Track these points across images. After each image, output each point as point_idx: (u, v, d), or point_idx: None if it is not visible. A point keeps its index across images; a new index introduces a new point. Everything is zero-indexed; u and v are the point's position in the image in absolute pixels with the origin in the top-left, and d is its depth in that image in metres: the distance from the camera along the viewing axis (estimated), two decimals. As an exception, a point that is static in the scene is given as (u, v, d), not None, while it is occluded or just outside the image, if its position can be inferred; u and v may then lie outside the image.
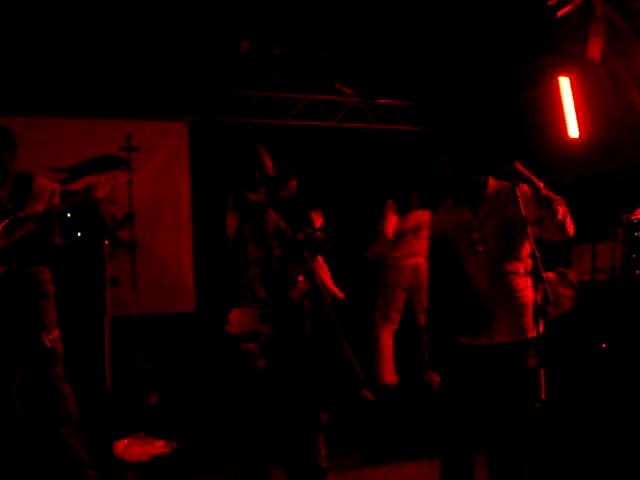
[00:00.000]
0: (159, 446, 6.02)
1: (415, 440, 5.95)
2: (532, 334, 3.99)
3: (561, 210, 4.01)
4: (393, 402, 7.27)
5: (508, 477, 4.12)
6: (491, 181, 4.23)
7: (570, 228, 4.06)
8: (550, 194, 4.03)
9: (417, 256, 7.32)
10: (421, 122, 8.96)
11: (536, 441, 3.64)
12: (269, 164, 3.83)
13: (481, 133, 4.45)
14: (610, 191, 7.43)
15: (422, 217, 7.43)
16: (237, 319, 3.71)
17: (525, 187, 3.99)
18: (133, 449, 5.90)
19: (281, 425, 3.52)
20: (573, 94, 7.46)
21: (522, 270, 4.12)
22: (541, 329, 3.74)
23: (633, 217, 6.45)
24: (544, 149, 7.81)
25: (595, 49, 6.83)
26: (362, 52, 7.74)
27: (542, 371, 3.69)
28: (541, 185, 4.00)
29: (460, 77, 8.36)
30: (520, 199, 3.88)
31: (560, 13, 7.02)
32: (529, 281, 4.05)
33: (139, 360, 6.87)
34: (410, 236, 7.31)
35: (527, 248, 4.00)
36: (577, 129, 7.50)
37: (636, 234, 6.40)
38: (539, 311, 3.70)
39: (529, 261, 4.00)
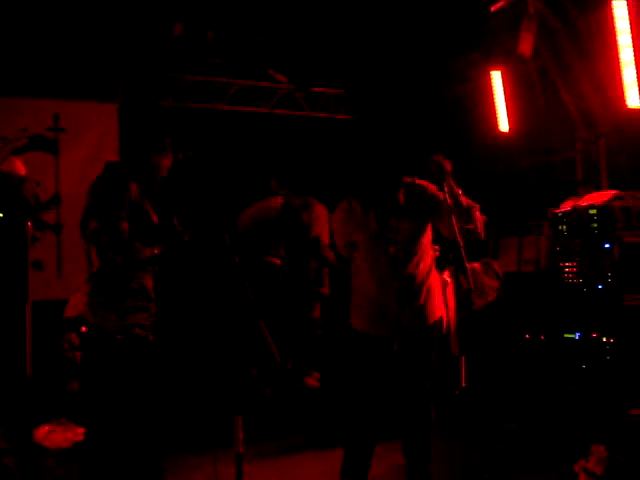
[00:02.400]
0: (81, 433, 5.94)
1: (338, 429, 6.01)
2: (436, 317, 4.11)
3: (478, 218, 4.05)
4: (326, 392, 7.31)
5: (420, 461, 4.23)
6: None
7: (481, 235, 4.09)
8: (469, 202, 4.06)
9: None
10: (354, 111, 8.98)
11: (460, 426, 3.68)
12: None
13: (413, 125, 4.47)
14: (537, 185, 7.57)
15: None
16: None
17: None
18: (54, 436, 5.80)
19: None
20: (504, 88, 7.57)
21: (429, 262, 4.18)
22: (452, 316, 3.81)
23: (558, 211, 6.57)
24: (474, 142, 7.92)
25: (526, 45, 6.93)
26: (297, 39, 7.72)
27: (463, 359, 3.75)
28: (460, 192, 4.02)
29: (394, 68, 8.41)
30: (448, 196, 3.86)
31: (493, 8, 7.12)
32: (434, 272, 4.16)
33: (62, 345, 6.72)
34: None
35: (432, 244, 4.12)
36: (507, 123, 7.62)
37: (560, 227, 6.52)
38: (460, 299, 3.75)
39: (431, 253, 4.12)
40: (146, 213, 3.60)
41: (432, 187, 3.99)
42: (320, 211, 7.31)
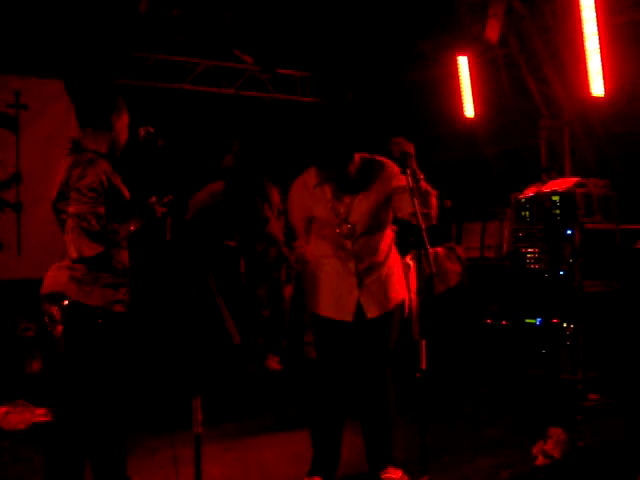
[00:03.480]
0: (39, 414, 5.88)
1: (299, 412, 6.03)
2: (398, 300, 4.13)
3: (434, 204, 4.06)
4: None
5: (380, 442, 4.27)
6: (357, 159, 4.20)
7: (434, 221, 4.09)
8: (427, 187, 4.06)
9: None
10: (320, 94, 8.95)
11: (420, 408, 3.72)
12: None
13: (377, 107, 4.46)
14: (501, 171, 7.62)
15: None
16: (48, 277, 3.59)
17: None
18: (11, 417, 5.74)
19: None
20: (470, 74, 7.59)
21: (389, 242, 4.20)
22: (414, 299, 3.83)
23: (521, 196, 6.61)
24: (439, 126, 7.94)
25: (493, 31, 6.96)
26: (263, 20, 7.66)
27: (423, 343, 3.76)
28: (421, 177, 4.02)
29: (361, 51, 8.38)
30: (410, 179, 3.86)
31: (461, -7, 7.13)
32: (391, 256, 4.18)
33: (21, 325, 6.65)
34: None
35: (392, 221, 4.17)
36: (472, 108, 7.64)
37: (523, 213, 6.56)
38: (422, 282, 3.75)
39: (390, 234, 4.14)
40: (118, 191, 3.55)
41: (393, 166, 3.97)
42: (273, 192, 7.27)
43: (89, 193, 3.39)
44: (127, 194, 3.64)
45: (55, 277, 3.51)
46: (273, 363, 7.50)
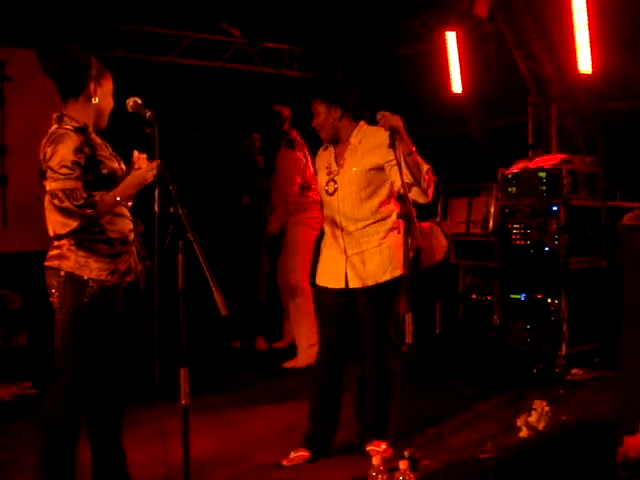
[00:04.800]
0: (25, 387, 5.90)
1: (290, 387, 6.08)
2: (392, 276, 4.17)
3: (427, 178, 4.08)
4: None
5: (368, 416, 4.35)
6: (360, 126, 4.29)
7: (430, 196, 4.15)
8: (422, 161, 4.10)
9: None
10: (308, 68, 8.92)
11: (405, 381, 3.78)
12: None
13: (366, 81, 4.47)
14: (488, 147, 7.62)
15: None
16: (50, 249, 3.62)
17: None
18: (-3, 389, 5.76)
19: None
20: (459, 50, 7.56)
21: (379, 217, 4.23)
22: (404, 272, 3.86)
23: (508, 172, 6.63)
24: (428, 102, 7.91)
25: (482, 6, 6.93)
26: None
27: (410, 316, 3.79)
28: (413, 149, 4.06)
29: (348, 26, 8.33)
30: (398, 153, 3.89)
31: (450, -32, 7.09)
32: (384, 228, 4.21)
33: (7, 298, 6.63)
34: None
35: (384, 198, 4.23)
36: (460, 85, 7.63)
37: (510, 189, 6.59)
38: (408, 256, 3.77)
39: (389, 208, 4.18)
40: (99, 162, 3.51)
41: (385, 134, 3.98)
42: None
43: (60, 170, 3.36)
44: (116, 165, 3.60)
45: (54, 249, 3.52)
46: (262, 344, 7.50)
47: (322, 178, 4.38)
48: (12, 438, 4.86)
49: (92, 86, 3.58)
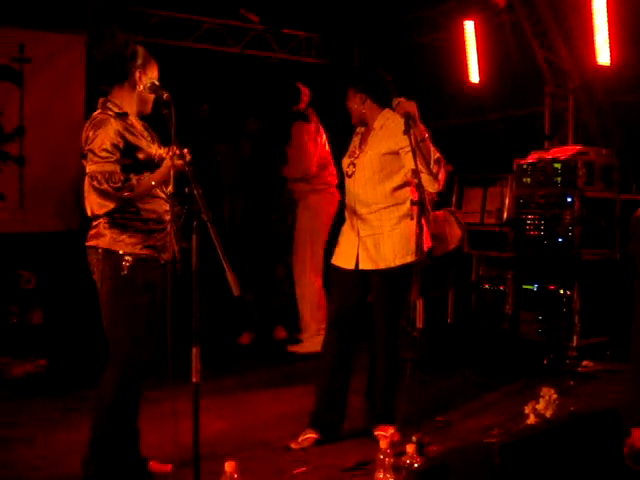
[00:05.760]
0: (40, 365, 5.97)
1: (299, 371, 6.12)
2: (402, 262, 4.19)
3: (437, 166, 4.10)
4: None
5: (377, 400, 4.39)
6: (384, 113, 4.33)
7: (441, 184, 4.17)
8: (435, 150, 4.12)
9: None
10: (326, 55, 8.92)
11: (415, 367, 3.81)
12: None
13: (384, 68, 4.50)
14: (504, 137, 7.61)
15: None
16: (90, 229, 3.71)
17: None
18: (12, 367, 5.83)
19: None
20: (477, 39, 7.55)
21: (392, 202, 4.25)
22: (415, 259, 3.89)
23: (523, 162, 6.62)
24: (445, 91, 7.91)
25: (500, -5, 6.92)
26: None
27: (420, 302, 3.82)
28: (426, 135, 4.09)
29: (368, 14, 8.33)
30: (412, 139, 3.93)
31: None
32: (399, 214, 4.23)
33: (23, 278, 6.70)
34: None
35: (399, 183, 4.26)
36: (478, 74, 7.61)
37: (525, 179, 6.58)
38: (419, 242, 3.80)
39: (404, 195, 4.20)
40: (136, 148, 3.63)
41: (402, 121, 4.01)
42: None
43: (101, 153, 3.51)
44: (153, 150, 3.72)
45: (92, 229, 3.66)
46: (281, 332, 7.46)
47: (345, 161, 4.47)
48: (26, 415, 4.92)
49: (137, 74, 3.70)
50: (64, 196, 7.02)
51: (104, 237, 3.60)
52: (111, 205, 3.53)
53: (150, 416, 4.21)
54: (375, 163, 4.25)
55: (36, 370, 5.88)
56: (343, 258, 4.40)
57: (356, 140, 4.48)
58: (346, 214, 4.50)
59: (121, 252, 3.59)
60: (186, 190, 3.08)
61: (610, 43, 6.37)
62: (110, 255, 3.59)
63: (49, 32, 7.19)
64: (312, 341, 6.56)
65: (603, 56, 6.44)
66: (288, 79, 7.59)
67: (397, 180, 4.27)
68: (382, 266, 4.24)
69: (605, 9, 6.31)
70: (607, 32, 6.35)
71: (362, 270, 4.30)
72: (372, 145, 4.31)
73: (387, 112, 4.31)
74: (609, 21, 6.33)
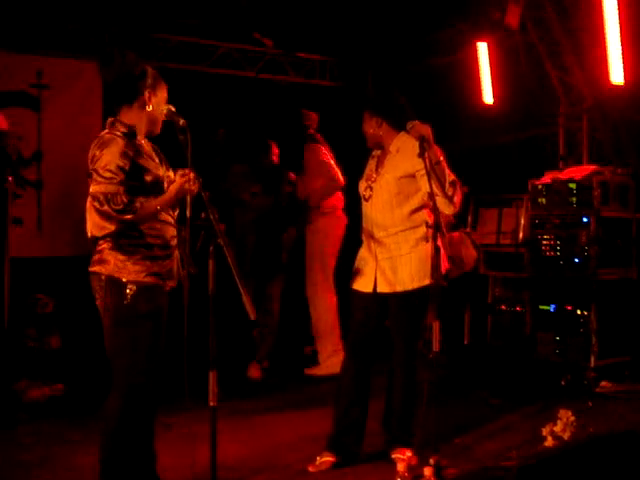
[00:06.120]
0: (57, 389, 6.00)
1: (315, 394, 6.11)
2: (419, 284, 4.19)
3: (452, 188, 4.11)
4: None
5: (395, 422, 4.38)
6: (400, 136, 4.34)
7: (456, 207, 4.18)
8: (450, 173, 4.14)
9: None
10: (340, 78, 8.98)
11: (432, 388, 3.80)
12: None
13: (399, 91, 4.52)
14: (519, 158, 7.62)
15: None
16: (93, 254, 3.66)
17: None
18: (30, 390, 5.86)
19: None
20: (490, 60, 7.58)
21: (409, 225, 4.26)
22: (431, 282, 3.88)
23: (538, 182, 6.62)
24: (459, 113, 7.93)
25: (513, 17, 6.94)
26: (283, 3, 7.66)
27: (437, 324, 3.82)
28: (441, 158, 4.11)
29: (381, 37, 8.38)
30: (427, 162, 3.95)
31: (482, -21, 7.11)
32: (417, 236, 4.24)
33: (40, 302, 6.74)
34: None
35: (416, 206, 4.27)
36: (492, 95, 7.63)
37: (540, 200, 6.58)
38: (435, 265, 3.80)
39: (421, 217, 4.20)
40: (143, 169, 3.57)
41: (417, 144, 4.04)
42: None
43: (105, 173, 3.44)
44: (161, 172, 3.66)
45: (95, 254, 3.59)
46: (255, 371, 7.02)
47: (362, 184, 4.47)
48: (44, 439, 4.94)
49: (147, 94, 3.67)
50: (81, 220, 7.04)
51: (107, 263, 3.53)
52: (111, 227, 3.45)
53: (167, 439, 4.22)
54: (392, 186, 4.27)
55: (54, 394, 5.90)
56: (361, 282, 4.41)
57: (372, 163, 4.49)
58: (363, 237, 4.50)
59: (124, 280, 3.50)
60: (202, 215, 3.09)
61: (623, 63, 6.37)
62: (113, 283, 3.52)
63: (66, 58, 7.29)
64: (329, 362, 6.57)
65: (617, 75, 6.44)
66: (302, 102, 7.64)
67: (414, 203, 4.28)
68: (399, 289, 4.25)
69: (618, 29, 6.32)
70: (620, 52, 6.36)
71: (380, 293, 4.30)
72: (389, 168, 4.32)
73: (403, 135, 4.33)
74: (622, 41, 6.34)
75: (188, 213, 3.24)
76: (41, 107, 7.16)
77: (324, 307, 6.84)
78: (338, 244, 6.88)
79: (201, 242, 3.11)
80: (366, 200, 4.39)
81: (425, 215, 4.28)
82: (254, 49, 8.34)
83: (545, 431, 3.49)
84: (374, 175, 4.40)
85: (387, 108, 4.39)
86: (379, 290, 4.30)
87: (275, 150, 7.23)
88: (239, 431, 5.02)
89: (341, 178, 6.83)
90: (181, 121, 3.48)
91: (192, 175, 3.43)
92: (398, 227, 4.28)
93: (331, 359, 6.56)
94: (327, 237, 6.88)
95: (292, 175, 7.19)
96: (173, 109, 3.58)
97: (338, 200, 6.93)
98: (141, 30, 7.59)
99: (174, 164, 3.73)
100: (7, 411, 5.45)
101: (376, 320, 4.39)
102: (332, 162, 6.92)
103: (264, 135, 7.35)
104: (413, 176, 4.24)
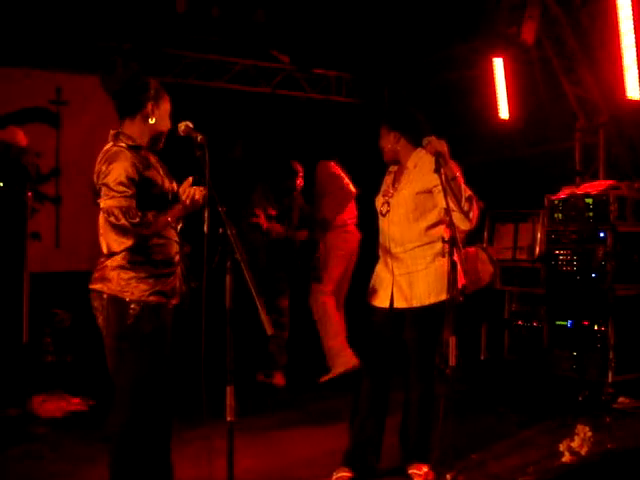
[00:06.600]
0: (75, 403, 6.03)
1: (331, 409, 6.10)
2: (436, 299, 4.18)
3: (468, 204, 4.12)
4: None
5: (411, 438, 4.37)
6: (418, 152, 4.35)
7: (473, 222, 4.18)
8: (466, 188, 4.14)
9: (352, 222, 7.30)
10: (356, 94, 9.02)
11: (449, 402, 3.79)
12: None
13: (415, 107, 4.55)
14: (535, 173, 7.61)
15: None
16: (95, 271, 3.61)
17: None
18: (48, 405, 5.90)
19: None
20: (505, 76, 7.60)
21: (426, 241, 4.26)
22: (447, 297, 3.88)
23: (555, 197, 6.61)
24: (475, 128, 7.94)
25: (529, 32, 6.94)
26: (299, 20, 7.72)
27: (453, 339, 3.82)
28: (457, 174, 4.12)
29: (397, 52, 8.42)
30: (443, 177, 3.97)
31: (497, -5, 7.12)
32: (434, 252, 4.24)
33: (58, 317, 6.79)
34: None
35: (434, 221, 4.26)
36: (507, 110, 7.64)
37: (556, 215, 6.57)
38: (450, 280, 3.80)
39: (438, 233, 4.21)
40: (151, 182, 3.54)
41: (428, 158, 4.07)
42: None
43: (117, 187, 3.40)
44: (167, 185, 3.64)
45: (97, 271, 3.55)
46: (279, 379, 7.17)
47: (379, 200, 4.48)
48: (61, 453, 4.96)
49: (149, 107, 3.63)
50: (98, 235, 7.11)
51: (110, 282, 3.46)
52: (129, 242, 3.38)
53: (184, 454, 4.22)
54: (409, 202, 4.27)
55: (71, 408, 5.93)
56: (378, 297, 4.41)
57: (388, 179, 4.51)
58: (380, 253, 4.51)
59: (127, 299, 3.44)
60: (220, 230, 3.09)
61: (639, 77, 6.37)
62: (116, 302, 3.45)
63: (85, 75, 7.37)
64: (339, 361, 6.72)
65: (632, 90, 6.44)
66: (319, 118, 7.69)
67: (431, 219, 4.28)
68: (416, 304, 4.25)
69: (634, 44, 6.33)
70: (636, 67, 6.36)
71: (396, 309, 4.30)
72: (406, 184, 4.33)
73: (420, 151, 4.34)
74: (638, 56, 6.34)
75: (205, 229, 3.22)
76: (60, 123, 7.24)
77: (322, 307, 6.98)
78: (347, 258, 7.07)
79: (218, 257, 3.12)
80: (383, 215, 4.40)
81: (442, 231, 4.28)
82: (271, 65, 8.40)
83: (562, 447, 3.47)
84: (391, 190, 4.41)
85: (405, 123, 4.41)
86: (396, 306, 4.30)
87: (300, 172, 7.29)
88: (256, 446, 5.02)
89: (352, 188, 6.99)
90: (199, 137, 3.44)
91: (198, 189, 3.44)
92: (415, 242, 4.28)
93: (339, 356, 6.75)
94: (332, 249, 7.05)
95: (302, 202, 7.28)
96: (191, 125, 3.53)
97: (350, 215, 7.09)
98: (158, 46, 7.66)
99: (192, 179, 3.72)
100: (25, 425, 5.49)
101: (393, 335, 4.38)
102: (342, 174, 7.08)
103: (289, 158, 7.38)
104: (430, 192, 4.25)
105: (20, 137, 6.25)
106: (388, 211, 4.36)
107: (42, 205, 6.83)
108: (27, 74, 7.12)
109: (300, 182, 7.25)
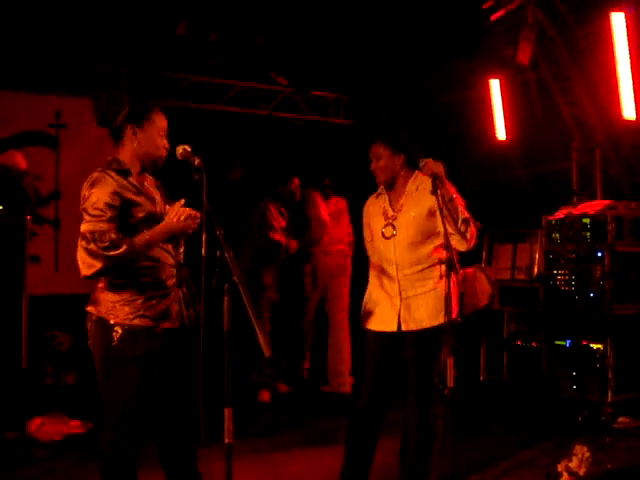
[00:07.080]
0: (74, 426, 6.02)
1: (331, 429, 6.08)
2: (439, 322, 4.17)
3: (465, 225, 4.13)
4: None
5: (410, 461, 4.34)
6: (417, 174, 4.36)
7: (470, 244, 4.19)
8: (464, 210, 4.15)
9: (340, 242, 7.49)
10: (353, 116, 9.07)
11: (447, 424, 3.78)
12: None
13: (412, 129, 4.56)
14: (533, 193, 7.64)
15: (338, 204, 7.63)
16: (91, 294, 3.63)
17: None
18: (47, 428, 5.88)
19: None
20: (502, 97, 7.64)
21: (431, 262, 4.26)
22: (446, 318, 3.87)
23: (552, 218, 6.64)
24: (472, 149, 7.99)
25: (524, 54, 7.00)
26: (297, 43, 7.78)
27: (451, 360, 3.82)
28: (454, 195, 4.12)
29: (394, 74, 8.47)
30: (440, 199, 3.98)
31: (493, 17, 7.19)
32: (437, 274, 4.24)
33: (57, 339, 6.79)
34: (332, 222, 7.46)
35: (437, 243, 4.23)
36: (504, 131, 7.69)
37: (554, 235, 6.59)
38: (449, 302, 3.81)
39: (440, 255, 4.20)
40: (134, 205, 3.54)
41: (429, 181, 4.08)
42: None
43: (93, 212, 3.40)
44: (161, 209, 3.64)
45: (91, 294, 3.57)
46: (282, 386, 7.58)
47: (378, 223, 4.39)
48: (61, 476, 4.95)
49: (129, 130, 3.61)
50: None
51: (99, 304, 3.49)
52: (98, 265, 3.33)
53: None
54: (419, 223, 4.24)
55: (71, 431, 5.92)
56: (380, 321, 4.34)
57: (380, 202, 4.44)
58: (374, 275, 4.46)
59: (112, 322, 3.45)
60: (217, 253, 3.10)
61: (635, 97, 6.41)
62: (102, 324, 3.47)
63: (84, 98, 7.39)
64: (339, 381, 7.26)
65: (628, 111, 6.48)
66: (316, 139, 7.76)
67: (436, 240, 4.25)
68: (425, 325, 4.22)
69: (629, 64, 6.37)
70: (632, 87, 6.40)
71: (403, 331, 4.26)
72: (411, 206, 4.30)
73: (419, 174, 4.34)
74: (633, 76, 6.39)
75: (203, 252, 3.21)
76: (59, 146, 7.28)
77: (339, 326, 7.56)
78: (323, 279, 7.63)
79: (216, 280, 3.12)
80: (387, 238, 4.33)
81: (439, 252, 4.28)
82: (268, 88, 8.46)
83: (561, 467, 3.46)
84: (392, 213, 4.39)
85: (406, 146, 4.40)
86: (404, 329, 4.23)
87: (296, 181, 7.39)
88: (255, 468, 5.01)
89: (324, 217, 7.43)
90: (196, 161, 3.43)
91: (188, 210, 3.44)
92: (423, 264, 4.25)
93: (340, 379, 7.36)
94: (318, 269, 7.64)
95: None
96: (189, 149, 3.52)
97: (335, 237, 7.55)
98: (157, 70, 7.71)
99: (190, 203, 3.73)
100: (23, 449, 5.47)
101: (394, 360, 4.34)
102: (320, 203, 7.47)
103: (284, 169, 7.54)
104: (434, 214, 4.23)
105: (19, 160, 6.28)
106: (394, 234, 4.31)
107: (41, 228, 6.83)
108: (26, 98, 7.18)
109: (294, 190, 7.41)
